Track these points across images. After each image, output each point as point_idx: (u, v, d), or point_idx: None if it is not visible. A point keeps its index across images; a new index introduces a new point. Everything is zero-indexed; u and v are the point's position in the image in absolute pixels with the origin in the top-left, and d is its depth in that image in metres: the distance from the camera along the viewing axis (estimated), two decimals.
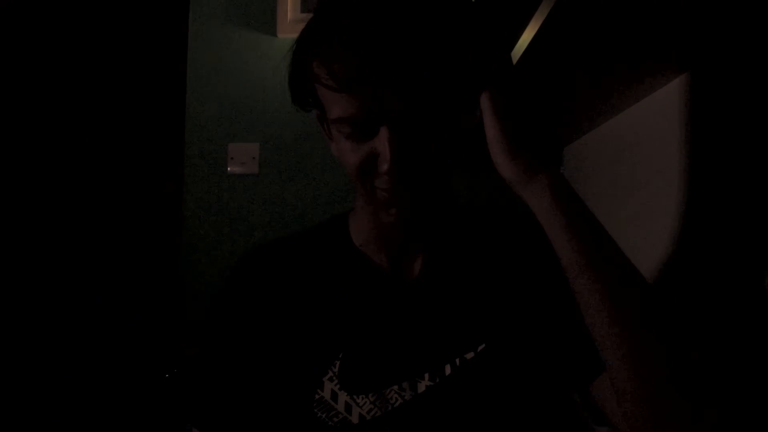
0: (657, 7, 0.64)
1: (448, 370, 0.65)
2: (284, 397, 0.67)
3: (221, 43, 1.68)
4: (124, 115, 1.62)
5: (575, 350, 0.63)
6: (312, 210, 1.64)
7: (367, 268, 0.71)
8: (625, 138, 1.08)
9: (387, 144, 0.57)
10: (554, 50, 0.78)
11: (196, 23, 1.69)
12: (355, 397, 0.65)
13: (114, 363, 1.50)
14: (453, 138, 0.64)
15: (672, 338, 0.54)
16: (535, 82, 0.91)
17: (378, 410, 0.64)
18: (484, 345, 0.66)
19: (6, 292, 1.41)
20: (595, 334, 0.54)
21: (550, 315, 0.66)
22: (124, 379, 1.48)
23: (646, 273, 0.92)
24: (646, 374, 0.52)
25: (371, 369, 0.66)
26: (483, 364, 0.65)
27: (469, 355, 0.66)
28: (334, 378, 0.66)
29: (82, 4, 1.56)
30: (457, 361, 0.66)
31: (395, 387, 0.65)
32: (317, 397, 0.66)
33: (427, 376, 0.65)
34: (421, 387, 0.65)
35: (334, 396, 0.65)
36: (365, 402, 0.65)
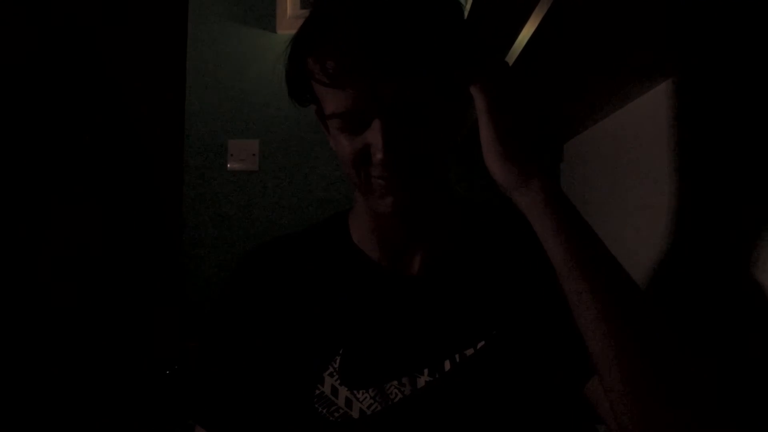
0: (657, 5, 0.64)
1: (447, 365, 0.66)
2: (285, 392, 0.68)
3: (221, 40, 1.68)
4: (123, 111, 1.62)
5: (569, 352, 0.63)
6: (311, 206, 1.64)
7: (367, 264, 0.72)
8: (625, 134, 1.08)
9: (380, 134, 0.58)
10: (553, 49, 0.78)
11: (195, 20, 1.69)
12: (355, 392, 0.66)
13: (115, 360, 1.50)
14: (447, 131, 0.65)
15: (660, 339, 0.54)
16: (534, 80, 0.91)
17: (378, 405, 0.65)
18: (483, 342, 0.67)
19: (7, 290, 1.41)
20: (585, 334, 0.55)
21: (547, 312, 0.67)
22: (126, 376, 1.49)
23: (644, 265, 0.92)
24: (634, 375, 0.52)
25: (371, 364, 0.67)
26: (482, 361, 0.66)
27: (469, 352, 0.66)
28: (335, 373, 0.66)
29: (80, 1, 1.56)
30: (457, 357, 0.66)
31: (395, 382, 0.66)
32: (318, 392, 0.66)
33: (426, 371, 0.66)
34: (421, 382, 0.65)
35: (335, 391, 0.66)
36: (365, 397, 0.65)
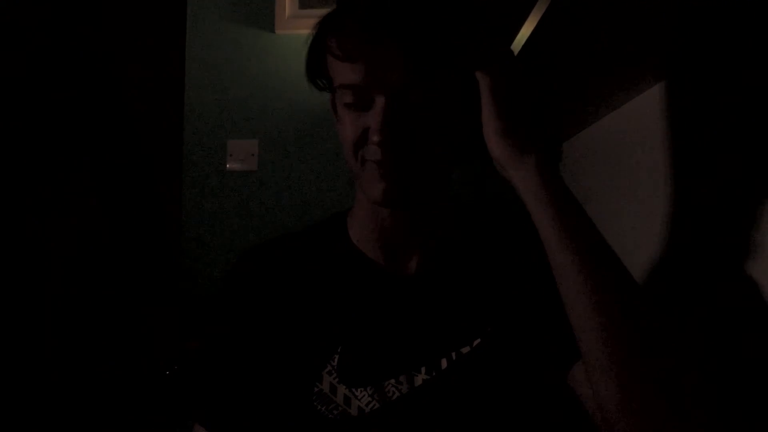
0: (656, 5, 0.64)
1: (444, 364, 0.67)
2: (284, 390, 0.68)
3: (220, 40, 1.68)
4: (122, 111, 1.62)
5: (554, 337, 0.64)
6: (311, 206, 1.64)
7: (365, 264, 0.73)
8: (624, 133, 1.08)
9: (381, 114, 0.61)
10: (553, 45, 0.79)
11: (194, 20, 1.69)
12: (353, 390, 0.66)
13: (115, 360, 1.50)
14: (447, 131, 0.66)
15: (645, 315, 0.55)
16: (533, 77, 0.92)
17: (376, 403, 0.65)
18: (479, 339, 0.67)
19: (8, 290, 1.42)
20: (570, 310, 0.56)
21: (539, 308, 0.67)
22: (126, 377, 1.49)
23: (641, 263, 0.93)
24: (616, 351, 0.53)
25: (369, 363, 0.67)
26: (478, 359, 0.67)
27: (465, 350, 0.67)
28: (333, 371, 0.67)
29: (80, 1, 1.56)
30: (453, 355, 0.67)
31: (393, 380, 0.66)
32: (316, 390, 0.67)
33: (423, 369, 0.66)
34: (418, 380, 0.66)
35: (333, 389, 0.66)
36: (364, 395, 0.66)
